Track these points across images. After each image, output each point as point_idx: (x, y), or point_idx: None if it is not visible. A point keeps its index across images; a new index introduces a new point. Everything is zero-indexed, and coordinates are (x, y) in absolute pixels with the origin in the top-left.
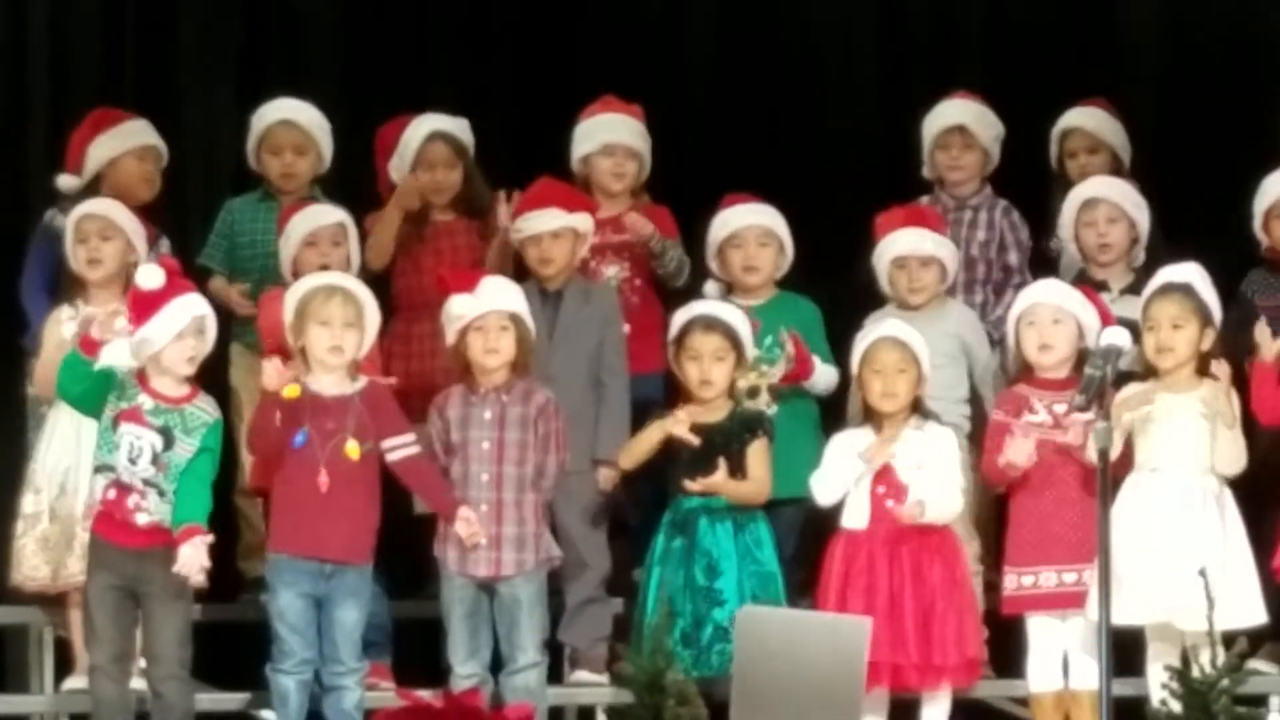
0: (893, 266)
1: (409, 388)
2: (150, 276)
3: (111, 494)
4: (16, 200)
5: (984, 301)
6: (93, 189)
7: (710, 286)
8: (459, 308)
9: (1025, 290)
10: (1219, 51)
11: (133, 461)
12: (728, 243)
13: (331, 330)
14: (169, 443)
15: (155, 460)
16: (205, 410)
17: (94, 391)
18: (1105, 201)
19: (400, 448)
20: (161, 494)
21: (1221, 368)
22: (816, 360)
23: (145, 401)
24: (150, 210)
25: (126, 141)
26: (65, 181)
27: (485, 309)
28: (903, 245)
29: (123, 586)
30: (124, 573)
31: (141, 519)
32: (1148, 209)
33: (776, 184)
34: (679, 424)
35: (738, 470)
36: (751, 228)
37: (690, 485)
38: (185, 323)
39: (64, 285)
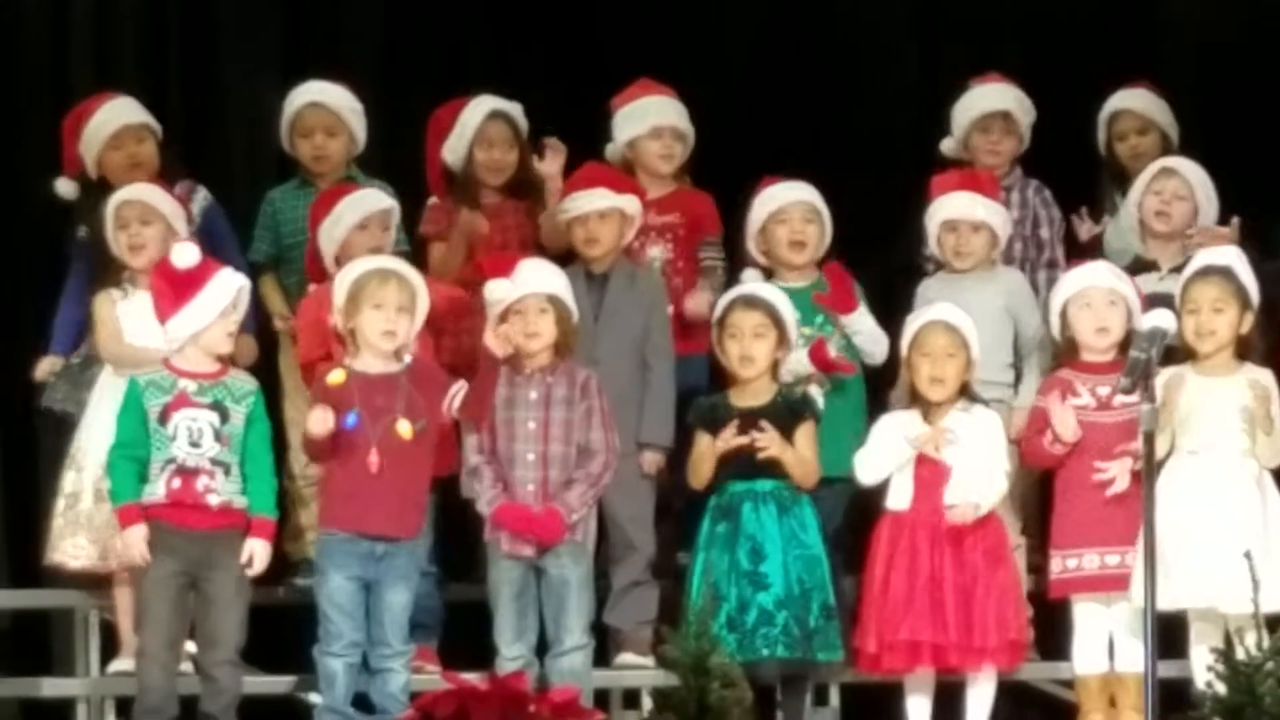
0: (943, 229)
1: (451, 363)
2: (186, 254)
3: (176, 483)
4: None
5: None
6: (105, 186)
7: (748, 273)
8: (498, 292)
9: (1075, 273)
10: (1259, 34)
11: (195, 445)
12: (773, 219)
13: (385, 314)
14: (224, 416)
15: (218, 437)
16: (244, 380)
17: None
18: (1180, 177)
19: (456, 395)
20: (228, 471)
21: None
22: (864, 309)
23: (188, 385)
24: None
25: (98, 135)
26: (62, 187)
27: (523, 292)
28: (954, 208)
29: (185, 573)
30: (189, 558)
31: (214, 500)
32: (1217, 206)
33: (813, 165)
34: (732, 440)
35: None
36: (798, 204)
37: (759, 438)
38: (229, 298)
39: (110, 279)
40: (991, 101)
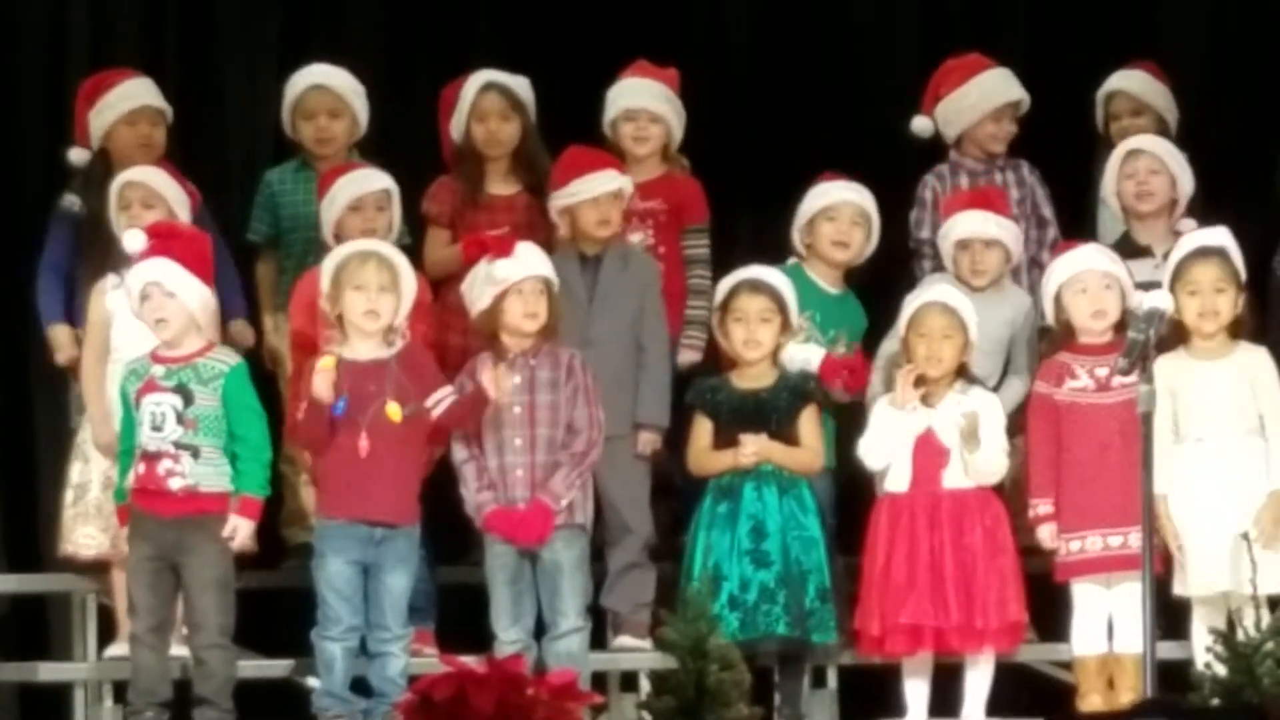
0: (956, 248)
1: (465, 359)
2: (133, 241)
3: (142, 468)
4: (52, 173)
5: (1031, 257)
6: (105, 159)
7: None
8: (502, 271)
9: (1068, 256)
10: (1265, 20)
11: (157, 429)
12: (822, 214)
13: (367, 294)
14: (188, 399)
15: (181, 420)
16: (221, 359)
17: None
18: (1148, 154)
19: (442, 401)
20: (196, 455)
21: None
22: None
23: (157, 370)
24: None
25: (115, 109)
26: (75, 155)
27: (526, 273)
28: (967, 227)
29: (160, 557)
30: (161, 543)
31: (175, 484)
32: (1191, 173)
33: (816, 151)
34: (749, 457)
35: (789, 438)
36: (849, 204)
37: (743, 453)
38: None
39: (99, 257)
40: (1010, 92)
